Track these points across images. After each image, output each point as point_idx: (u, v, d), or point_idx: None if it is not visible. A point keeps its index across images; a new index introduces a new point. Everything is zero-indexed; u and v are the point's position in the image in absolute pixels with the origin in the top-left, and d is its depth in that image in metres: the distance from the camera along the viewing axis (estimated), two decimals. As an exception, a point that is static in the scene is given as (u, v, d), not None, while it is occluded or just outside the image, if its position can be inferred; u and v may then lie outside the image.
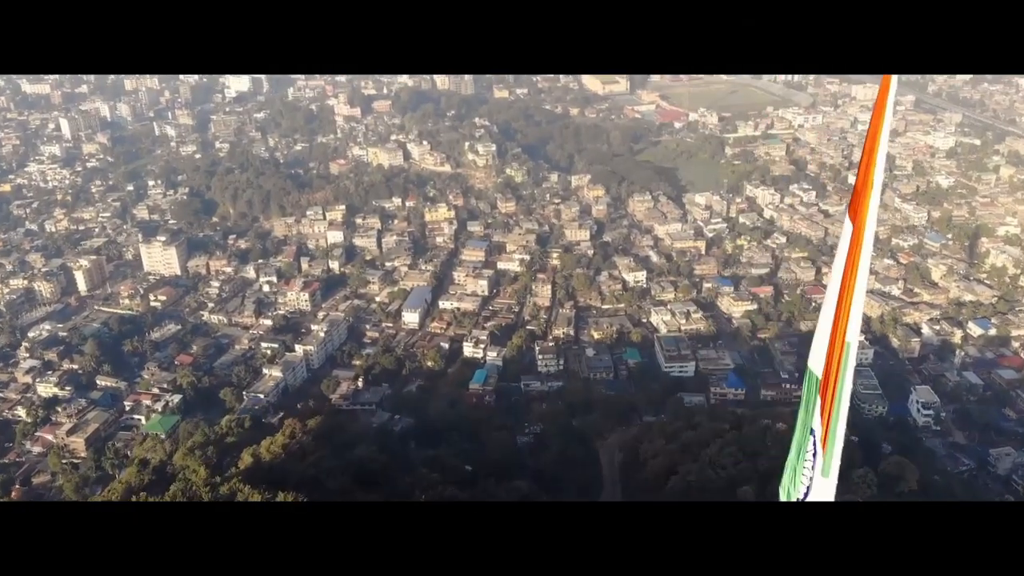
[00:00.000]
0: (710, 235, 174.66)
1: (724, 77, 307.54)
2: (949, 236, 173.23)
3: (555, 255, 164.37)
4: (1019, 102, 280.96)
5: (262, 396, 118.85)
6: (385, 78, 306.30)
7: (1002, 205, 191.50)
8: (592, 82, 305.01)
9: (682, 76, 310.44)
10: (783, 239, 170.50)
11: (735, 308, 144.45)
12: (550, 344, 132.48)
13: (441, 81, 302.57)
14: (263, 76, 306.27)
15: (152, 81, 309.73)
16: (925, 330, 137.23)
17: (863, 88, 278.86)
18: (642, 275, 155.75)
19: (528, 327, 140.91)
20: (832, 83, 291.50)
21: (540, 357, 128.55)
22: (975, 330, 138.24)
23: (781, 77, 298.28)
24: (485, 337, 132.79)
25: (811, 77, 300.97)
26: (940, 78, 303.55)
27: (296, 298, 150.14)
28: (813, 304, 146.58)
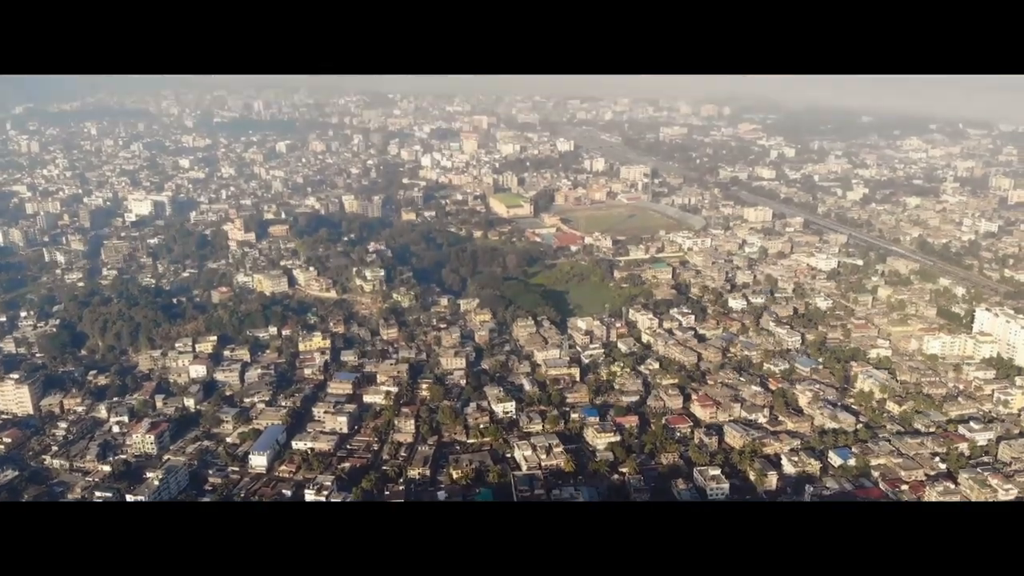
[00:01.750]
0: (586, 361, 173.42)
1: (624, 201, 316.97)
2: (820, 360, 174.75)
3: (425, 386, 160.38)
4: (904, 221, 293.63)
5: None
6: (292, 201, 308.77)
7: (876, 327, 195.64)
8: (498, 205, 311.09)
9: (584, 200, 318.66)
10: (656, 365, 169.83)
11: (599, 440, 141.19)
12: (400, 488, 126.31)
13: (349, 204, 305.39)
14: (166, 200, 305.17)
15: (53, 205, 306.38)
16: (784, 462, 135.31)
17: (754, 211, 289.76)
18: (511, 406, 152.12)
19: (384, 467, 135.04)
20: (727, 206, 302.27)
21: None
22: (835, 460, 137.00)
23: (678, 201, 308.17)
24: (330, 483, 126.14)
25: (707, 201, 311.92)
26: (830, 198, 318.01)
27: (142, 440, 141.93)
28: (678, 434, 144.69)
